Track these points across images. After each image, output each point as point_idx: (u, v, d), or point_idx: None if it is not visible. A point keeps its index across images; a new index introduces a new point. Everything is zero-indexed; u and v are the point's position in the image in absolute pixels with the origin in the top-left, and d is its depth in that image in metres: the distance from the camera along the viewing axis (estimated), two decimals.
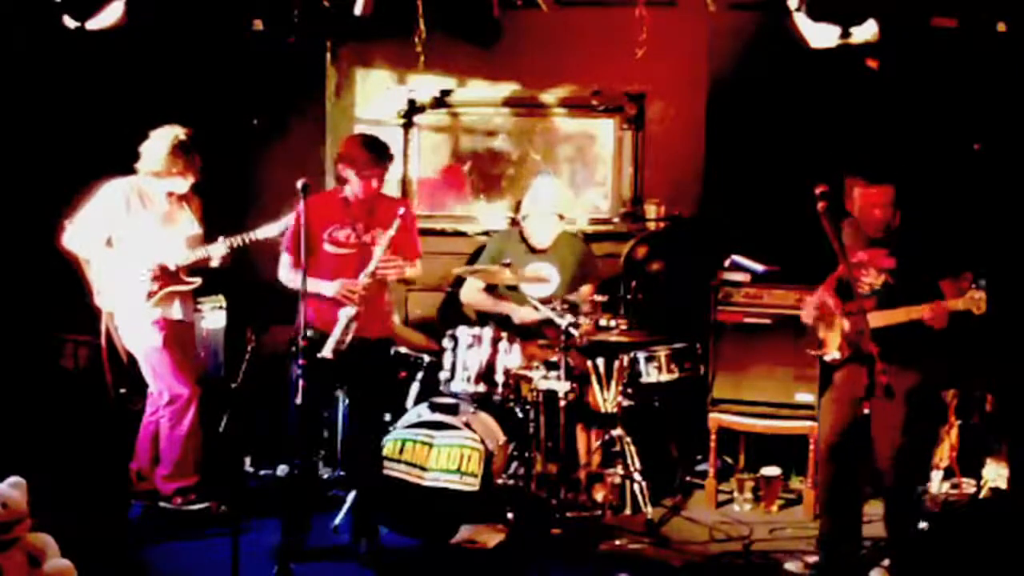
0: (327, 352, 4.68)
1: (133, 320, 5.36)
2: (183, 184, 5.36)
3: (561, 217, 5.94)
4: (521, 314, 5.75)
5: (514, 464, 5.47)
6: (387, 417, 5.50)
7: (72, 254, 5.38)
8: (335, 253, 4.85)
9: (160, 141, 5.29)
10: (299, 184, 4.65)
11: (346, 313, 4.72)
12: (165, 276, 5.35)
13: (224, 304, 6.28)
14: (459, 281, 6.26)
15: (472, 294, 6.03)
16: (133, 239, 5.31)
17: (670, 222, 6.58)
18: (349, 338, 4.72)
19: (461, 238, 6.75)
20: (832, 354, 4.72)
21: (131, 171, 5.35)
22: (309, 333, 4.50)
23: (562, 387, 5.29)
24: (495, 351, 5.40)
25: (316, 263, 4.78)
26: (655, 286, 6.22)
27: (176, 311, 5.41)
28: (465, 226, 6.80)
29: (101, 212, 5.28)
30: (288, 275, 4.92)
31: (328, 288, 4.79)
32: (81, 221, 5.30)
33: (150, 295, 5.30)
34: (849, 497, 4.74)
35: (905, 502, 4.66)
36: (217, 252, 5.36)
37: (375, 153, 4.90)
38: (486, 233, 6.63)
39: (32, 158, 6.11)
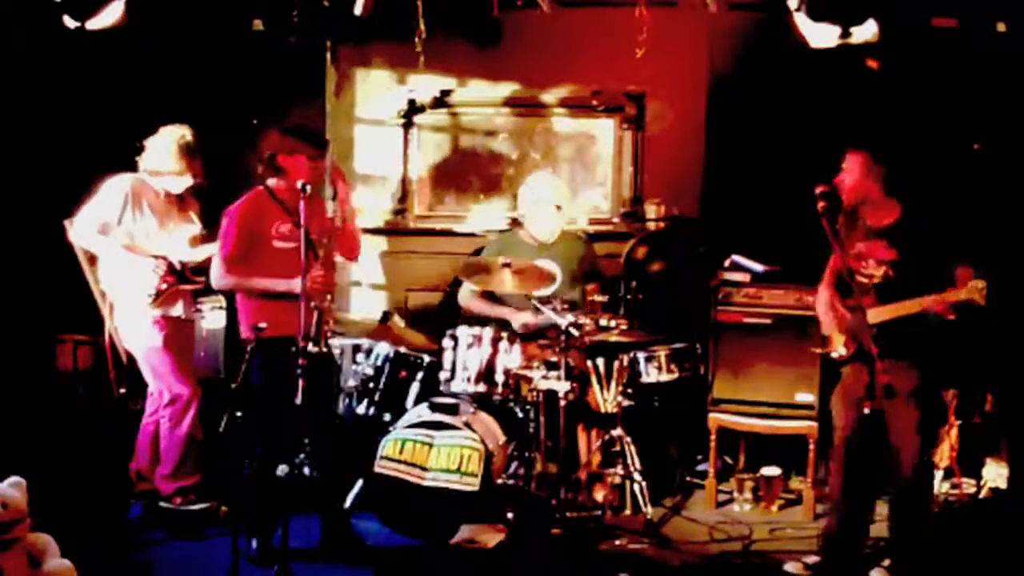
0: (315, 348, 4.68)
1: (133, 319, 5.37)
2: (180, 184, 5.37)
3: (559, 208, 5.92)
4: (521, 319, 5.73)
5: (514, 464, 5.46)
6: (387, 417, 5.51)
7: (77, 251, 5.39)
8: (283, 247, 4.83)
9: (165, 138, 5.32)
10: (299, 184, 4.66)
11: (317, 305, 4.74)
12: (171, 275, 5.35)
13: (224, 304, 6.28)
14: (457, 281, 6.26)
15: (468, 299, 6.00)
16: (136, 235, 5.32)
17: (670, 222, 6.58)
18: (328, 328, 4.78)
19: (461, 238, 6.75)
20: (838, 351, 4.71)
21: (132, 169, 5.36)
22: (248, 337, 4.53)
23: (562, 387, 5.28)
24: (495, 351, 5.40)
25: (263, 260, 4.83)
26: (655, 286, 6.22)
27: (177, 309, 5.41)
28: (464, 226, 6.80)
29: (106, 206, 5.29)
30: (225, 279, 4.88)
31: (289, 285, 4.74)
32: (86, 214, 5.30)
33: (158, 294, 5.31)
34: (860, 497, 4.73)
35: (914, 502, 4.65)
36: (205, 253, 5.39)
37: (317, 139, 5.00)
38: (485, 233, 6.64)
39: (32, 158, 6.11)
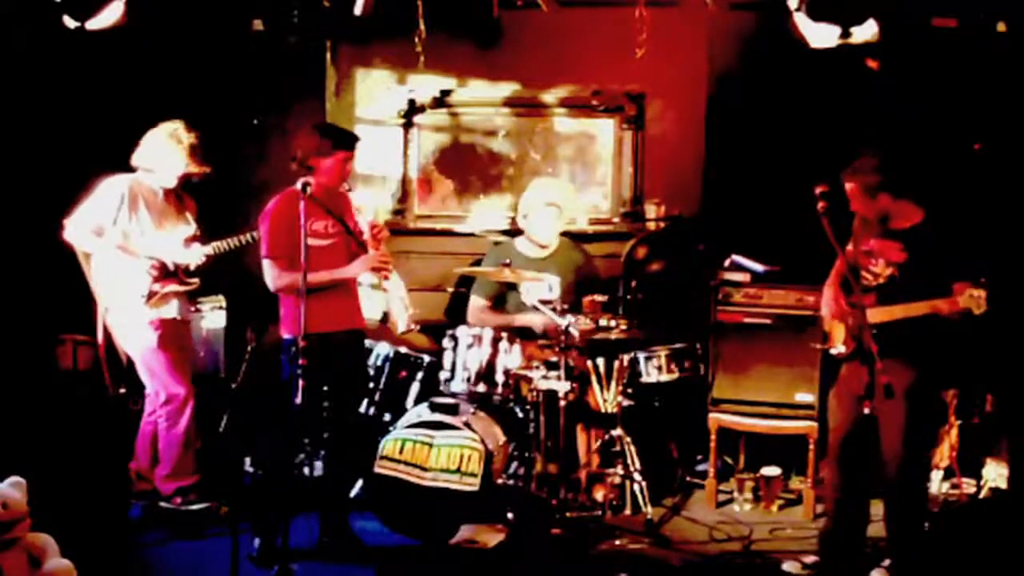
0: (404, 326, 5.02)
1: (128, 320, 5.37)
2: (173, 175, 5.34)
3: (559, 208, 5.93)
4: (543, 321, 5.70)
5: (514, 464, 5.47)
6: (387, 417, 5.51)
7: (73, 248, 5.39)
8: (318, 245, 4.83)
9: (157, 132, 5.32)
10: (299, 184, 4.67)
11: (393, 284, 4.95)
12: (165, 277, 5.35)
13: (224, 304, 6.28)
14: (462, 282, 6.26)
15: (479, 316, 5.98)
16: (131, 235, 5.32)
17: (670, 222, 6.58)
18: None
19: (461, 238, 6.75)
20: (838, 348, 4.72)
21: (131, 169, 5.36)
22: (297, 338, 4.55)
23: (562, 387, 5.29)
24: (495, 351, 5.41)
25: (299, 259, 4.82)
26: (655, 286, 6.22)
27: (172, 310, 5.41)
28: (465, 226, 6.80)
29: (101, 206, 5.29)
30: (282, 279, 4.85)
31: (351, 271, 4.87)
32: (82, 214, 5.30)
33: (150, 295, 5.31)
34: (855, 495, 4.73)
35: (908, 502, 4.65)
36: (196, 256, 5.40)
37: (346, 136, 5.00)
38: (484, 234, 6.64)
39: (32, 158, 6.11)
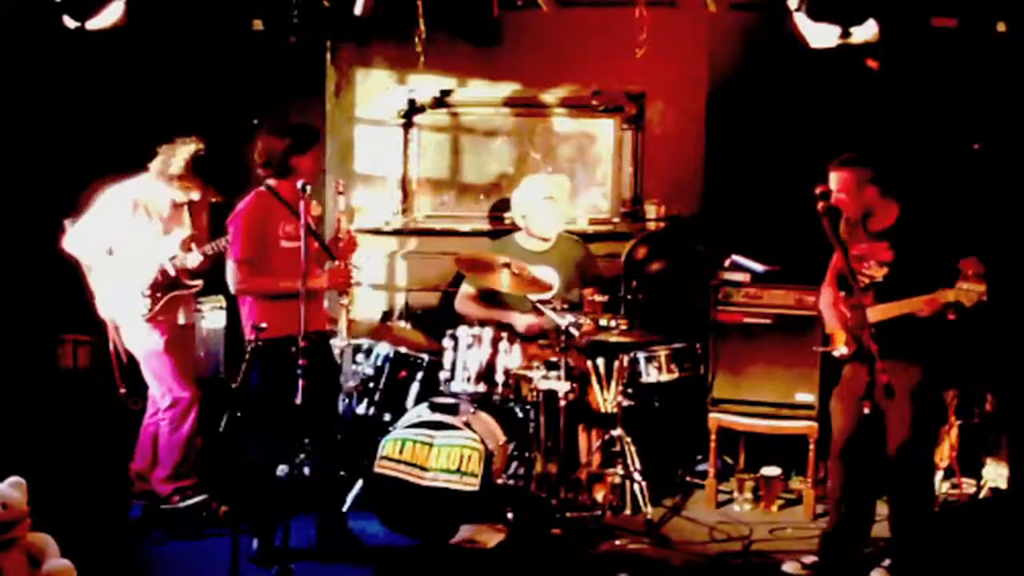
0: (341, 342, 5.05)
1: (133, 324, 5.36)
2: (185, 197, 5.37)
3: (556, 200, 5.93)
4: (525, 321, 5.73)
5: (514, 464, 5.47)
6: (387, 417, 5.51)
7: (73, 257, 5.39)
8: (289, 247, 4.79)
9: (184, 150, 5.30)
10: (299, 184, 4.66)
11: (343, 302, 4.94)
12: (166, 283, 5.35)
13: (224, 304, 6.28)
14: (457, 281, 6.26)
15: (465, 304, 6.00)
16: (134, 245, 5.31)
17: (670, 222, 6.58)
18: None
19: (461, 238, 6.75)
20: (840, 349, 4.72)
21: (131, 172, 5.36)
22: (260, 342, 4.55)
23: (562, 387, 5.29)
24: (495, 351, 5.41)
25: (271, 261, 4.82)
26: (655, 286, 6.22)
27: (180, 316, 5.42)
28: (465, 226, 6.80)
29: (104, 218, 5.29)
30: (246, 282, 4.83)
31: (318, 283, 4.86)
32: (84, 226, 5.30)
33: (154, 302, 5.30)
34: (859, 496, 4.73)
35: (915, 502, 4.65)
36: (193, 260, 5.39)
37: (311, 133, 5.00)
38: (484, 234, 6.64)
39: (32, 159, 6.11)
